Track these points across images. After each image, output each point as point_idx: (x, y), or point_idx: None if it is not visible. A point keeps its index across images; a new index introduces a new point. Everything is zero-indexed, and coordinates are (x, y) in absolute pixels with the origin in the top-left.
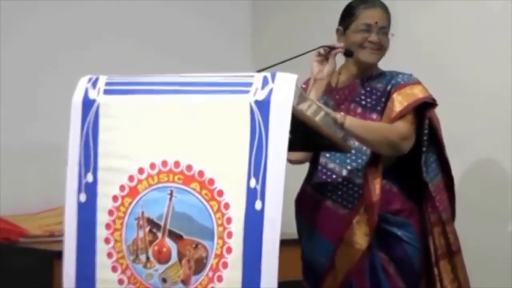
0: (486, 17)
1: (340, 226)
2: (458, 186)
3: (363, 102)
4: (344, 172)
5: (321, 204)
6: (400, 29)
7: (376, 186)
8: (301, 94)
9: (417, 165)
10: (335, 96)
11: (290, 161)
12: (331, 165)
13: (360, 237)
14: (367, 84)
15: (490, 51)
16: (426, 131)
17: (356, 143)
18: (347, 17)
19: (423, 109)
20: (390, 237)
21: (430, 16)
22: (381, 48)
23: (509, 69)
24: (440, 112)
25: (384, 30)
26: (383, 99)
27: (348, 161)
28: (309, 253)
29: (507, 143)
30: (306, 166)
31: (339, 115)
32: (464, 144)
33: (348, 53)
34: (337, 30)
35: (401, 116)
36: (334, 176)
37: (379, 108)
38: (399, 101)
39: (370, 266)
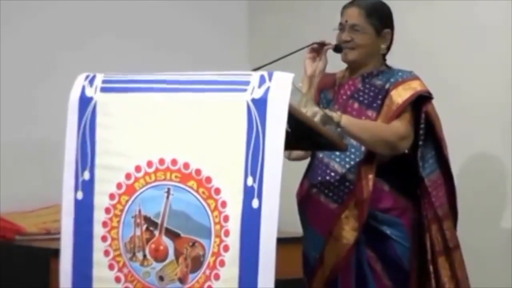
0: (483, 16)
1: (330, 220)
2: (457, 184)
3: (361, 98)
4: (339, 168)
5: (315, 198)
6: (396, 29)
7: (369, 183)
8: (299, 94)
9: (415, 161)
10: (336, 90)
11: (289, 158)
12: (326, 160)
13: (348, 232)
14: (367, 81)
15: (487, 51)
16: (422, 125)
17: (352, 140)
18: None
19: (420, 104)
20: (379, 235)
21: (426, 16)
22: (355, 46)
23: (507, 68)
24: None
25: (356, 27)
26: (380, 97)
27: (343, 156)
28: (306, 248)
29: (506, 142)
30: (305, 164)
31: (336, 114)
32: (461, 143)
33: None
34: (334, 30)
35: (399, 113)
36: (328, 171)
37: (375, 105)
38: (396, 99)
39: (356, 263)
